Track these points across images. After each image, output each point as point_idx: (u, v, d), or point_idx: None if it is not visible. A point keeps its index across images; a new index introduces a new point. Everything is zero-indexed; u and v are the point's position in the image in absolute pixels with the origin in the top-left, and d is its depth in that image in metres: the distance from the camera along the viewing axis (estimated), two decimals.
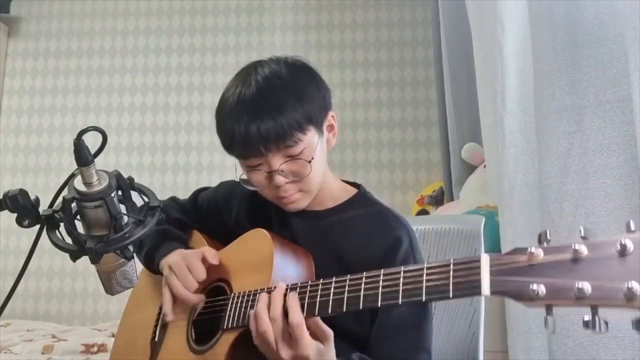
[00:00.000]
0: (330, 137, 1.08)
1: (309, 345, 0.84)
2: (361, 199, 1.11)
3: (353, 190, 1.13)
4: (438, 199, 2.72)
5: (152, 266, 1.13)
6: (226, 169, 3.17)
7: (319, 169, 1.03)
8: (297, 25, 3.28)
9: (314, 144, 1.00)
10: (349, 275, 0.83)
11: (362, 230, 1.05)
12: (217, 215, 1.20)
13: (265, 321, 0.86)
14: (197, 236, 1.22)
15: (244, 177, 1.04)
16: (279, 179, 0.99)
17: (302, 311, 0.86)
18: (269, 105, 0.97)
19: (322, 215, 1.08)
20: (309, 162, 0.99)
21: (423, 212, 2.69)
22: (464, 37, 2.24)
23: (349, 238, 1.05)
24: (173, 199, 1.29)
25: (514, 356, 1.52)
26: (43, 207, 0.77)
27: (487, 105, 1.80)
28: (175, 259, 1.06)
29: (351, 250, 1.03)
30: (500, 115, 1.63)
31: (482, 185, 2.20)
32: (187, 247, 1.16)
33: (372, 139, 3.11)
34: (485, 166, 2.13)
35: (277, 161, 0.98)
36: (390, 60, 3.19)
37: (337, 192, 1.11)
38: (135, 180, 0.81)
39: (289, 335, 0.85)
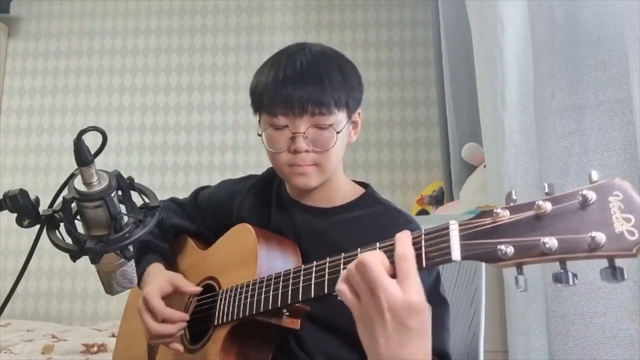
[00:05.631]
0: (352, 133, 1.09)
1: (420, 289, 0.66)
2: (368, 199, 1.11)
3: (361, 190, 1.13)
4: (438, 199, 2.72)
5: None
6: (226, 168, 3.17)
7: (340, 151, 1.04)
8: (297, 25, 3.28)
9: (342, 125, 1.02)
10: (328, 258, 0.82)
11: (368, 230, 1.04)
12: (218, 213, 1.21)
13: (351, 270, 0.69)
14: (188, 242, 1.23)
15: (263, 136, 1.03)
16: (301, 144, 0.99)
17: (285, 299, 0.86)
18: (319, 72, 1.00)
19: (328, 213, 1.08)
20: (338, 133, 1.00)
21: (423, 212, 2.69)
22: (464, 37, 2.24)
23: (353, 238, 1.02)
24: (172, 200, 1.29)
25: (514, 356, 1.52)
26: (43, 207, 0.77)
27: (487, 105, 1.80)
28: (147, 289, 1.07)
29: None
30: (500, 115, 1.63)
31: (482, 185, 2.20)
32: (168, 259, 1.19)
33: (372, 139, 3.11)
34: (485, 166, 2.13)
35: (305, 126, 0.99)
36: (390, 60, 3.19)
37: (345, 191, 1.11)
38: (135, 180, 0.81)
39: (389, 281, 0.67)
